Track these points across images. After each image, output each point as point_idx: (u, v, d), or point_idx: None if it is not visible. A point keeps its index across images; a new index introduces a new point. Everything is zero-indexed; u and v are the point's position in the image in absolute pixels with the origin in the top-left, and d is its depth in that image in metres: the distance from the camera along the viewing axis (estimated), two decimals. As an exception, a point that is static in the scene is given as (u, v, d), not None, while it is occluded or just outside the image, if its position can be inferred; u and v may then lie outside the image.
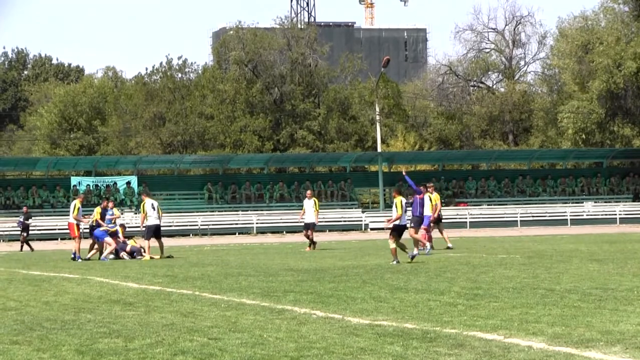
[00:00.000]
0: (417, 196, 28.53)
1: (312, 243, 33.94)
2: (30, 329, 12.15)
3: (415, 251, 25.89)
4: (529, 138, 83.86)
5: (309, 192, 36.99)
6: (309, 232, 34.19)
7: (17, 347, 10.72)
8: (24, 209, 45.05)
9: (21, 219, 42.31)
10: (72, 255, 29.99)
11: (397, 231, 24.09)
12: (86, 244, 31.96)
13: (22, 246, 41.37)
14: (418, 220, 28.01)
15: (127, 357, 9.88)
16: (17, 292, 17.90)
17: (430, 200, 29.22)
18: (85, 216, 31.83)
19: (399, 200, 24.27)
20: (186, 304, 14.89)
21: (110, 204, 31.28)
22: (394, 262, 23.50)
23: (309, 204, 34.77)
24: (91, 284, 19.56)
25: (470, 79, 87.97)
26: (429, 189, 30.01)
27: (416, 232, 27.58)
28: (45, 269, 25.10)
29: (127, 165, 67.36)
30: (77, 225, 30.66)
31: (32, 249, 40.40)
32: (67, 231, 51.05)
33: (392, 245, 23.93)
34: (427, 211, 28.84)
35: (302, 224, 35.47)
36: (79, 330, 11.92)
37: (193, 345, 10.52)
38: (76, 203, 30.89)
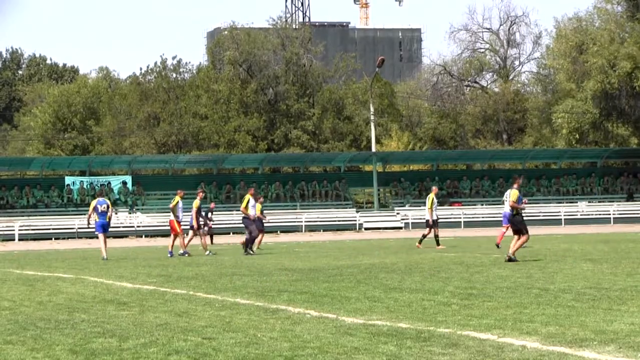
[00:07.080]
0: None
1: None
2: (24, 329, 12.13)
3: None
4: (523, 137, 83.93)
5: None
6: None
7: (11, 346, 10.69)
8: (211, 204, 43.35)
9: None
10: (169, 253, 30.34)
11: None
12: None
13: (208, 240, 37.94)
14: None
15: (121, 356, 9.86)
16: (10, 291, 17.87)
17: None
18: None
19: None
20: (180, 303, 14.88)
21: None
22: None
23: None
24: (85, 283, 19.54)
25: (465, 78, 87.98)
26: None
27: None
28: (39, 269, 25.06)
29: (121, 165, 67.31)
30: (178, 221, 30.52)
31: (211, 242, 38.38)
32: (61, 231, 50.91)
33: None
34: None
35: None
36: (72, 330, 11.90)
37: (187, 344, 10.51)
38: (176, 198, 30.82)
